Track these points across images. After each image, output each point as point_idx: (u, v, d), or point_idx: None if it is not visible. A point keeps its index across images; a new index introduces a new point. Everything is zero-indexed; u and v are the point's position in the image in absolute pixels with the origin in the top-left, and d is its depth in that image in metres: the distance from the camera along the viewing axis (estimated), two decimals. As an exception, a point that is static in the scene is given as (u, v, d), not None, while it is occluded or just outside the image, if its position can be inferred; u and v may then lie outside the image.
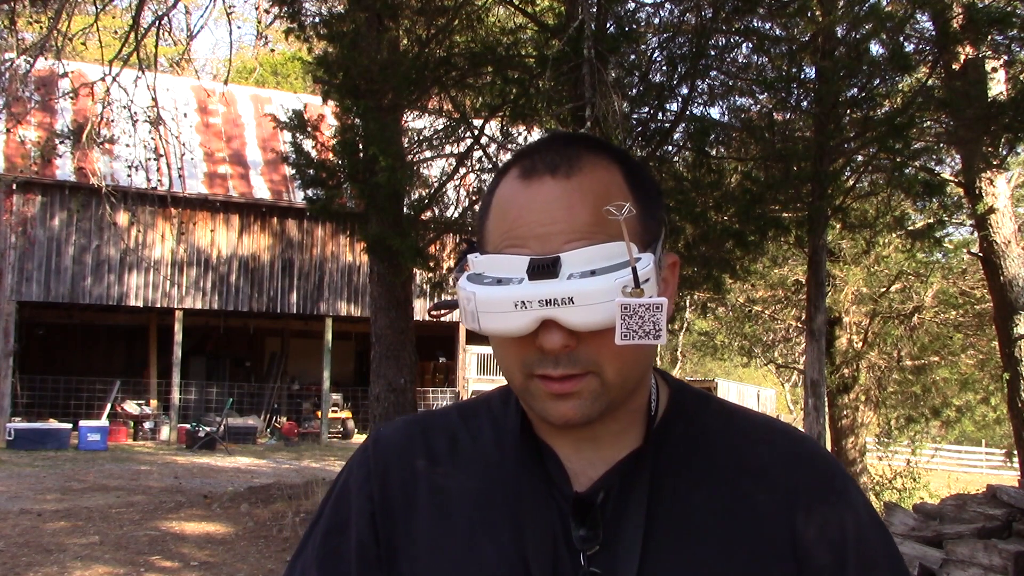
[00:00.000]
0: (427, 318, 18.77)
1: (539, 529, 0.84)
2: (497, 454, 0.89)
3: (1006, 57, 7.19)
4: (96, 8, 10.75)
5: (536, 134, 8.08)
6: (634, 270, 0.75)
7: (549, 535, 0.84)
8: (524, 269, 0.78)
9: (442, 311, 0.95)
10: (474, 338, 20.22)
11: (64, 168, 16.47)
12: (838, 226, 9.73)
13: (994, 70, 7.44)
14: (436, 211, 8.83)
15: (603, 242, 0.78)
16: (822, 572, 0.84)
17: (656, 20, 7.87)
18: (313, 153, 8.27)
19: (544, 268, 0.77)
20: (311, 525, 0.94)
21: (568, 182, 0.81)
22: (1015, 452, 10.16)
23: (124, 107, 10.46)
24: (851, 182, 8.17)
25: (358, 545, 0.89)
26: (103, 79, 10.03)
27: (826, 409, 9.22)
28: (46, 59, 10.25)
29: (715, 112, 17.80)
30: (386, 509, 0.89)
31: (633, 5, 7.69)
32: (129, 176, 14.68)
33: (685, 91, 7.50)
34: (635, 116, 7.35)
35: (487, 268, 0.81)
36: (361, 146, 7.51)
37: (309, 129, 8.21)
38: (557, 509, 0.85)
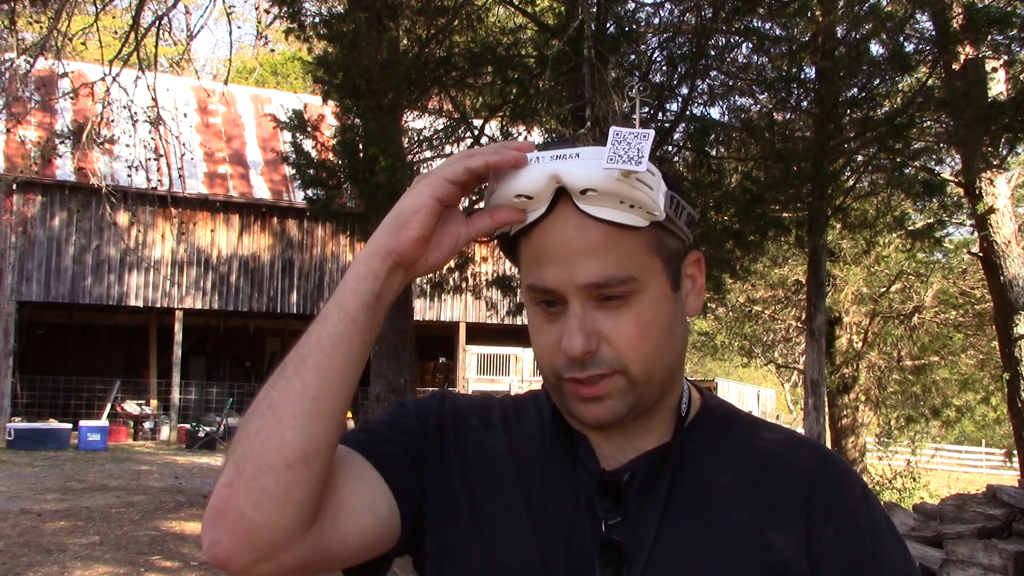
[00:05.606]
0: (427, 318, 18.75)
1: (560, 499, 0.90)
2: (537, 432, 0.97)
3: (1006, 57, 7.19)
4: (96, 8, 10.75)
5: (536, 134, 8.07)
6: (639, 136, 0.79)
7: (571, 505, 0.90)
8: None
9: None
10: (474, 338, 20.21)
11: (64, 168, 16.46)
12: (838, 226, 9.74)
13: (994, 70, 7.44)
14: (436, 211, 8.82)
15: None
16: None
17: (656, 20, 7.88)
18: (313, 153, 8.27)
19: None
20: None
21: None
22: (1015, 452, 10.16)
23: (124, 107, 10.43)
24: (851, 182, 8.17)
25: (409, 429, 0.95)
26: (103, 79, 10.01)
27: (826, 409, 9.22)
28: (46, 59, 10.23)
29: (715, 112, 17.74)
30: (439, 437, 0.96)
31: (633, 5, 7.70)
32: (129, 176, 14.67)
33: (685, 91, 7.50)
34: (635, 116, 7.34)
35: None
36: (361, 146, 7.51)
37: (309, 129, 8.21)
38: (582, 485, 0.91)
